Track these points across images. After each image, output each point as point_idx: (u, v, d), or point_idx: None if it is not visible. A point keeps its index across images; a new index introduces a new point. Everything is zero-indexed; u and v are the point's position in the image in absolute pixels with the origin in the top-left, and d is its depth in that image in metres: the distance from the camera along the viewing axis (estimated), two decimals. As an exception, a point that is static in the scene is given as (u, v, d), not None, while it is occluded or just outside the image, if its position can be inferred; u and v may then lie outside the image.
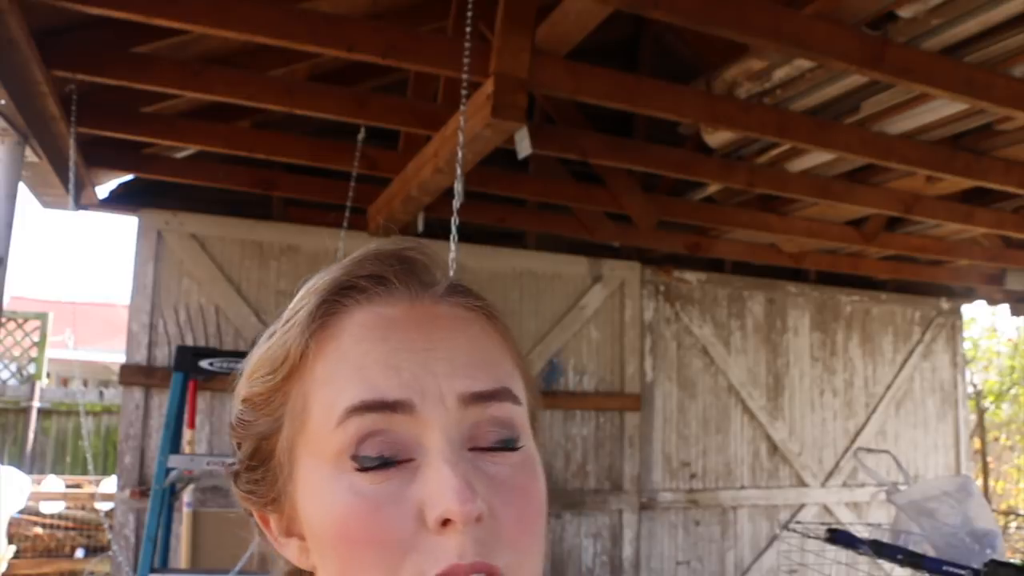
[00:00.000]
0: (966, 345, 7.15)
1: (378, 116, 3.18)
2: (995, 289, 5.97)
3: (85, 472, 8.19)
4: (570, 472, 4.80)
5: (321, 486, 0.50)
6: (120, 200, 4.23)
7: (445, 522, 0.46)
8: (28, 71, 2.56)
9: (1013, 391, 9.40)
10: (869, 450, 4.27)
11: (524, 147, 2.74)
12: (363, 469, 0.48)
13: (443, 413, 0.49)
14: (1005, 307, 6.45)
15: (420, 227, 4.08)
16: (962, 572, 2.64)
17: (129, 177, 4.12)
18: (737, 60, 3.06)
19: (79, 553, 5.92)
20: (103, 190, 4.17)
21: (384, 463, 0.48)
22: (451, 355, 0.51)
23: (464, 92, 2.47)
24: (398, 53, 2.57)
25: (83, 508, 6.18)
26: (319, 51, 2.63)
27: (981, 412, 8.64)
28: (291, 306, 0.55)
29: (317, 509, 0.50)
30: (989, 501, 6.51)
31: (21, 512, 5.84)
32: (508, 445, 0.51)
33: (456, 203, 2.39)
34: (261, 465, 0.57)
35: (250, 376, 0.56)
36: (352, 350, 0.51)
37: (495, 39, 2.49)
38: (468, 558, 0.46)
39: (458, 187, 2.42)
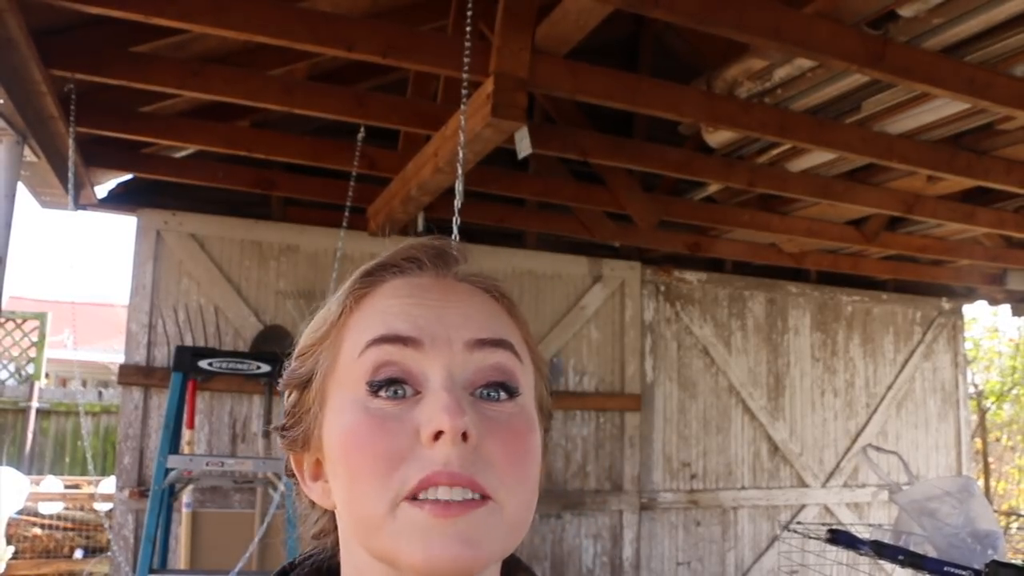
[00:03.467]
0: (967, 345, 7.14)
1: (378, 116, 3.17)
2: (996, 289, 5.96)
3: (84, 472, 8.18)
4: (570, 473, 4.79)
5: (341, 408, 0.57)
6: (119, 200, 4.22)
7: (436, 435, 0.52)
8: (27, 70, 2.55)
9: (1014, 391, 9.39)
10: (879, 448, 4.26)
11: (524, 146, 2.73)
12: (375, 393, 0.55)
13: (448, 353, 0.56)
14: (1006, 307, 6.44)
15: (420, 227, 4.07)
16: (963, 573, 2.63)
17: (128, 177, 4.11)
18: (737, 59, 3.05)
19: (78, 554, 5.91)
20: (102, 190, 4.16)
21: (394, 391, 0.55)
22: (463, 312, 0.59)
23: (464, 91, 2.46)
24: (398, 52, 2.56)
25: (82, 509, 6.17)
26: (319, 50, 2.62)
27: (982, 412, 8.63)
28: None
29: (334, 428, 0.57)
30: (991, 502, 6.51)
31: (20, 513, 5.83)
32: (506, 389, 0.57)
33: (456, 203, 2.38)
34: (299, 408, 0.63)
35: (303, 337, 0.64)
36: (379, 303, 0.59)
37: (495, 38, 2.48)
38: (452, 467, 0.51)
39: (458, 187, 2.41)
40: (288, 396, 0.65)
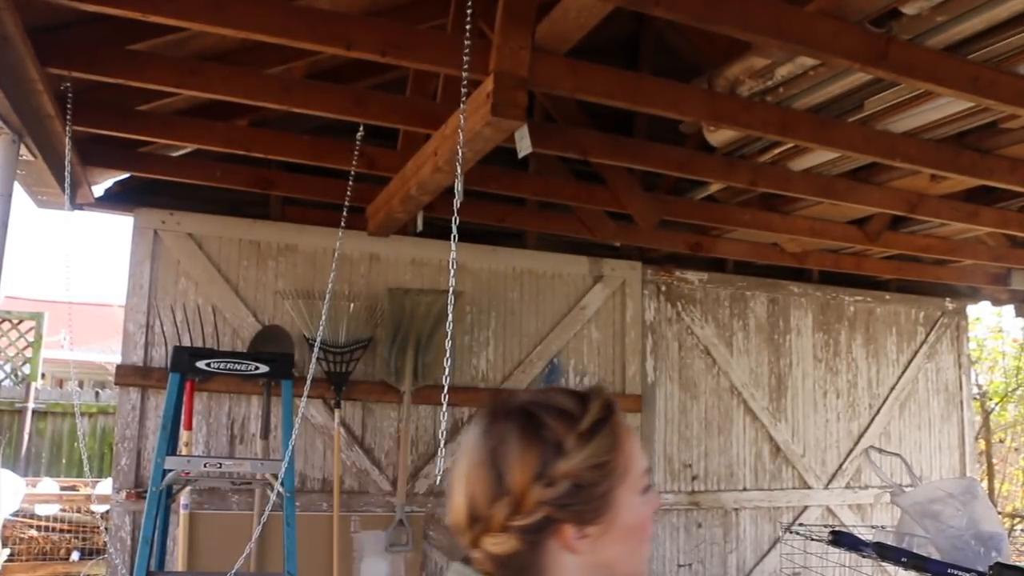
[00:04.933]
0: (971, 346, 7.11)
1: (377, 114, 3.15)
2: (1000, 289, 5.94)
3: (81, 474, 8.17)
4: (571, 473, 4.76)
5: (634, 503, 0.94)
6: (116, 199, 4.20)
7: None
8: (23, 69, 2.53)
9: (1019, 392, 9.36)
10: (880, 450, 4.23)
11: (524, 146, 2.71)
12: (644, 494, 0.96)
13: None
14: (1010, 307, 6.42)
15: (419, 227, 4.05)
16: (967, 575, 2.61)
17: (125, 176, 4.09)
18: (739, 58, 3.03)
19: (74, 556, 5.89)
20: (99, 189, 4.14)
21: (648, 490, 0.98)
22: None
23: (464, 90, 2.44)
24: (397, 51, 2.55)
25: (78, 510, 6.16)
26: (317, 49, 2.61)
27: (986, 413, 8.60)
28: (592, 414, 0.93)
29: (630, 515, 0.93)
30: (994, 503, 6.48)
31: (15, 514, 5.81)
32: None
33: (456, 202, 2.36)
34: (592, 499, 0.90)
35: (591, 453, 0.91)
36: (634, 440, 0.97)
37: (495, 37, 2.46)
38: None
39: (458, 186, 2.40)
40: (581, 489, 0.89)
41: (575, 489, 0.88)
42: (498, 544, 0.88)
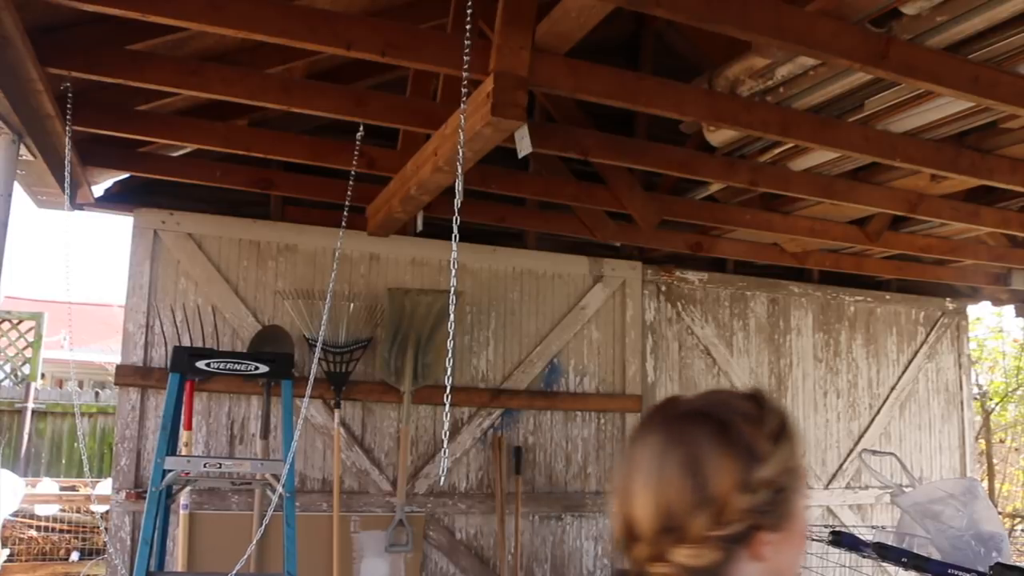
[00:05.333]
0: (971, 346, 7.10)
1: (377, 114, 3.14)
2: (1000, 289, 5.93)
3: (80, 474, 8.17)
4: (571, 474, 4.77)
5: (803, 506, 0.93)
6: (116, 199, 4.19)
7: None
8: (23, 68, 2.52)
9: (1019, 392, 9.35)
10: (874, 452, 4.23)
11: (524, 146, 2.71)
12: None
13: None
14: (1010, 307, 6.41)
15: (419, 227, 4.05)
16: (967, 575, 2.61)
17: (125, 176, 4.08)
18: (739, 58, 3.02)
19: (74, 556, 5.89)
20: (98, 189, 4.13)
21: None
22: None
23: (464, 90, 2.44)
24: (397, 51, 2.54)
25: (78, 511, 6.16)
26: (317, 49, 2.60)
27: (987, 414, 8.59)
28: (774, 417, 0.93)
29: (803, 519, 0.92)
30: (995, 504, 6.48)
31: (15, 515, 5.80)
32: None
33: (456, 202, 2.36)
34: (784, 504, 0.89)
35: (783, 457, 0.90)
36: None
37: (495, 36, 2.46)
38: None
39: (458, 186, 2.39)
40: (780, 494, 0.89)
41: (774, 495, 0.87)
42: (695, 556, 0.84)
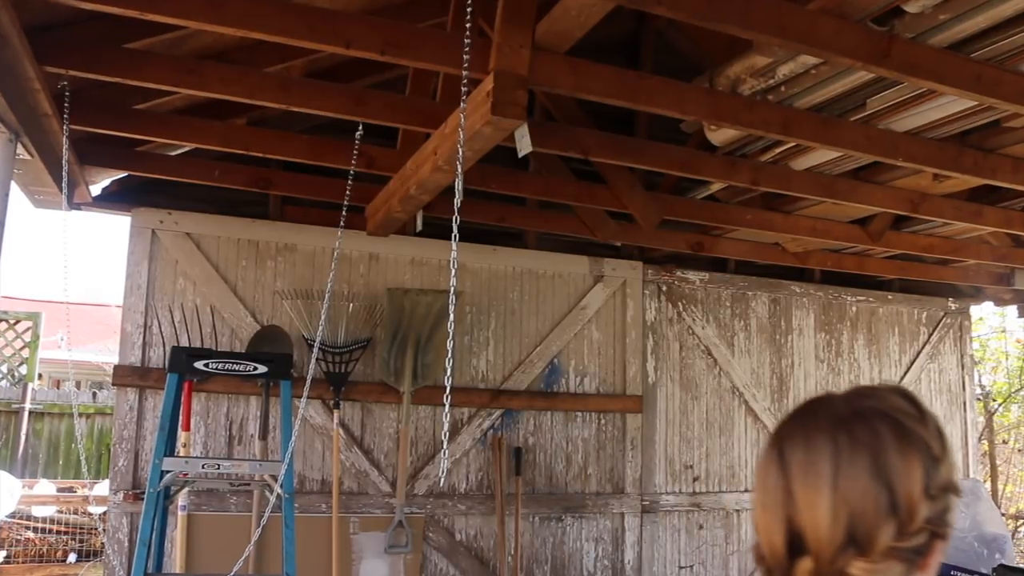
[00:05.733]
0: (974, 346, 7.08)
1: (376, 113, 3.13)
2: (1003, 289, 5.92)
3: (78, 475, 8.16)
4: (571, 475, 4.75)
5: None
6: (113, 198, 4.18)
7: None
8: (20, 67, 2.51)
9: (1022, 393, 9.33)
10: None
11: (524, 145, 2.70)
12: None
13: None
14: (1013, 308, 6.39)
15: (419, 226, 4.03)
16: (970, 577, 2.60)
17: (123, 175, 4.07)
18: (741, 56, 3.01)
19: (71, 558, 5.87)
20: (96, 188, 4.12)
21: None
22: None
23: (464, 89, 2.42)
24: (397, 49, 2.53)
25: (76, 512, 6.14)
26: (316, 47, 2.59)
27: (989, 414, 8.57)
28: (932, 415, 0.85)
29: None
30: (997, 505, 6.45)
31: (12, 516, 5.78)
32: None
33: (456, 201, 2.34)
34: (951, 509, 0.82)
35: (951, 458, 0.84)
36: None
37: (495, 35, 2.44)
38: None
39: (458, 185, 2.37)
40: (952, 500, 0.82)
41: (948, 500, 0.80)
42: (877, 571, 0.75)
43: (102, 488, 6.15)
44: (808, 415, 0.86)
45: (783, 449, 0.83)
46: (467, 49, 2.39)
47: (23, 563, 5.75)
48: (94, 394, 9.81)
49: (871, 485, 0.77)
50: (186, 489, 3.79)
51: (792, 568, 0.78)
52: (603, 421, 4.88)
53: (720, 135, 3.52)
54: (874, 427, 0.80)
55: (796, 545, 0.78)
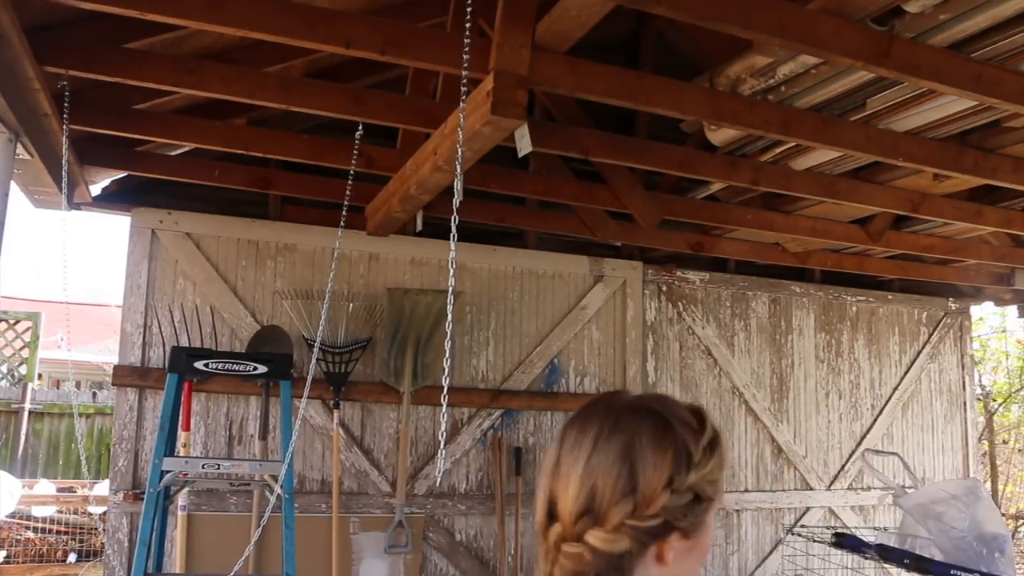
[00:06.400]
0: (974, 346, 7.08)
1: (376, 113, 3.13)
2: (1003, 289, 5.91)
3: (78, 475, 8.16)
4: (571, 474, 4.74)
5: (713, 523, 0.94)
6: (113, 198, 4.18)
7: None
8: (19, 67, 2.51)
9: (1022, 393, 9.33)
10: (877, 451, 4.21)
11: (524, 145, 2.69)
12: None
13: None
14: (1014, 308, 6.39)
15: (419, 226, 4.03)
16: (970, 577, 2.60)
17: (122, 175, 4.07)
18: (741, 56, 3.01)
19: (71, 558, 5.87)
20: (96, 188, 4.11)
21: None
22: None
23: (463, 89, 2.42)
24: (396, 49, 2.53)
25: (75, 512, 6.14)
26: (316, 47, 2.59)
27: (989, 414, 8.57)
28: (710, 430, 0.94)
29: (710, 534, 0.94)
30: (997, 505, 6.46)
31: (12, 516, 5.78)
32: None
33: (456, 201, 2.34)
34: (699, 513, 0.91)
35: (712, 468, 0.92)
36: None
37: (495, 35, 2.44)
38: None
39: (458, 185, 2.38)
40: (698, 498, 0.91)
41: (694, 500, 0.90)
42: (609, 541, 0.86)
43: (102, 488, 6.15)
44: (592, 404, 0.96)
45: (565, 428, 0.95)
46: (467, 49, 2.38)
47: (23, 563, 5.75)
48: (94, 394, 9.81)
49: (616, 465, 0.87)
50: (186, 489, 3.79)
51: (547, 532, 0.92)
52: (603, 421, 4.87)
53: (720, 135, 3.52)
54: (639, 420, 0.91)
55: (552, 512, 0.91)
